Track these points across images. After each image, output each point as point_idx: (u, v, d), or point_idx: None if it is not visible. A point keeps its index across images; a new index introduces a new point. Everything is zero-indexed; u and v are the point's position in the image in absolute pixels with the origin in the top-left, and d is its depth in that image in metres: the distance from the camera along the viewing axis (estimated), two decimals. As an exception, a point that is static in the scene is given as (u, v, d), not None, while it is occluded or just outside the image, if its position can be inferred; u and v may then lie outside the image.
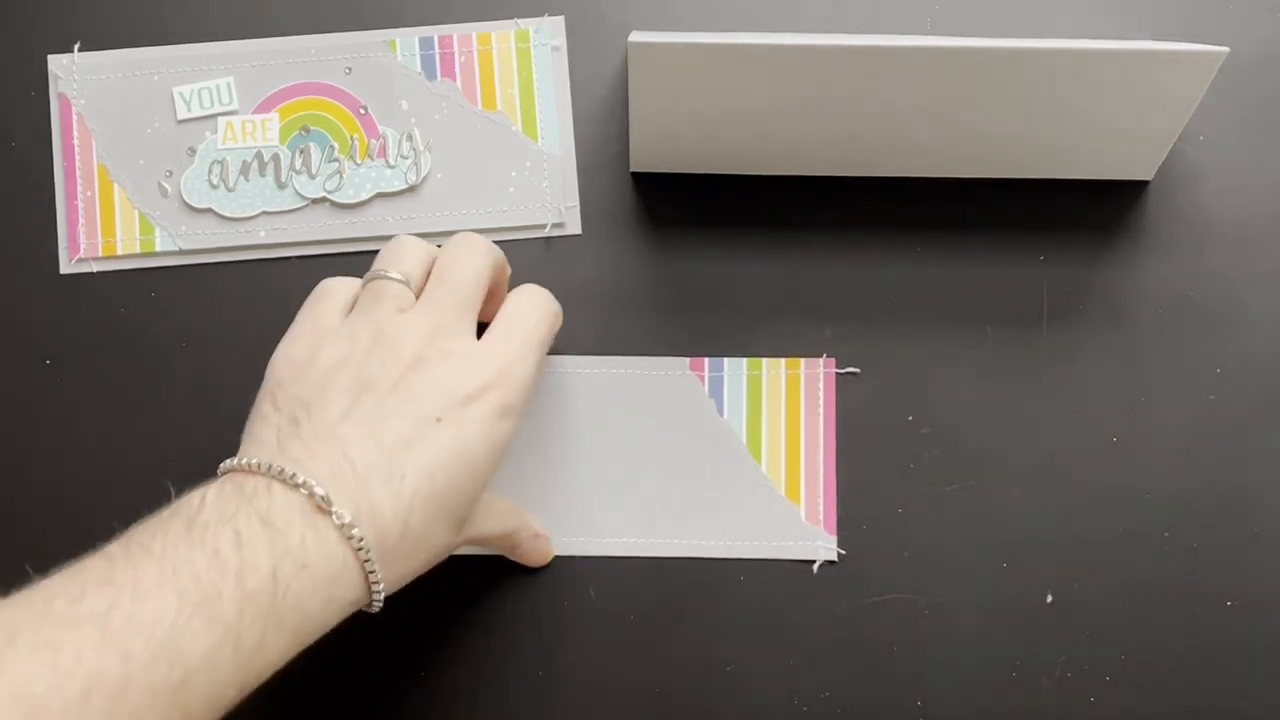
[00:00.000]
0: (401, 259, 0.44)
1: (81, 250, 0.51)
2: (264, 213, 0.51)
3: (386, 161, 0.51)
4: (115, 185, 0.51)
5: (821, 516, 0.49)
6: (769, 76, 0.46)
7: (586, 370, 0.50)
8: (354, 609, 0.39)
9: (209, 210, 0.51)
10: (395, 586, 0.40)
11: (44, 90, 0.52)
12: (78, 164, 0.52)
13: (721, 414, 0.50)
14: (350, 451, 0.39)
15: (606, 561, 0.49)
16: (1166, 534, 0.49)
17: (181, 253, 0.51)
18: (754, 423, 0.50)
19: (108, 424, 0.50)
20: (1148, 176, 0.51)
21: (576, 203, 0.51)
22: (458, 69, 0.52)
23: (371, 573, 0.38)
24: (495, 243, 0.45)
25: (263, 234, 0.51)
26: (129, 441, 0.50)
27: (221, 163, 0.51)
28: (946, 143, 0.49)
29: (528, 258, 0.51)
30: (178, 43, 0.52)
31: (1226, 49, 0.45)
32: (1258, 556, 0.49)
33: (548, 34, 0.52)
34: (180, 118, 0.52)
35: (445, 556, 0.42)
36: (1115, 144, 0.50)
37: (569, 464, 0.50)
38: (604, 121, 0.52)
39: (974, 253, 0.51)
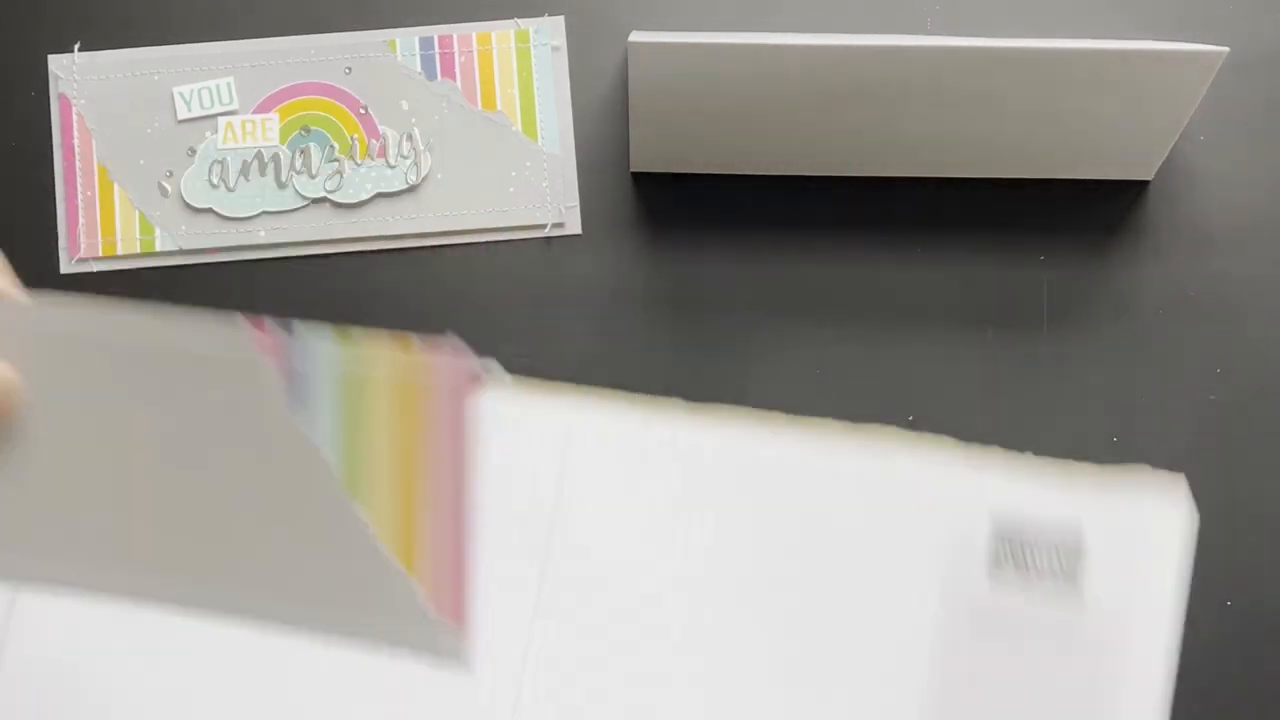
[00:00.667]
0: None
1: (82, 250, 0.51)
2: (264, 213, 0.51)
3: (387, 161, 0.51)
4: (115, 185, 0.51)
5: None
6: (769, 76, 0.46)
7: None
8: None
9: (209, 210, 0.51)
10: None
11: (44, 90, 0.52)
12: (78, 164, 0.52)
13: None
14: None
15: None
16: (1166, 534, 0.50)
17: (182, 253, 0.51)
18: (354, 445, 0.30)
19: (108, 424, 0.50)
20: (1148, 176, 0.51)
21: (576, 203, 0.52)
22: (458, 69, 0.52)
23: None
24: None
25: (263, 234, 0.51)
26: (129, 441, 0.50)
27: (222, 163, 0.51)
28: (946, 143, 0.49)
29: (528, 258, 0.51)
30: (178, 43, 0.52)
31: (1226, 49, 0.45)
32: (1258, 556, 0.49)
33: (548, 34, 0.52)
34: (180, 118, 0.52)
35: None
36: (1115, 144, 0.50)
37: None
38: (604, 121, 0.52)
39: (974, 253, 0.51)
